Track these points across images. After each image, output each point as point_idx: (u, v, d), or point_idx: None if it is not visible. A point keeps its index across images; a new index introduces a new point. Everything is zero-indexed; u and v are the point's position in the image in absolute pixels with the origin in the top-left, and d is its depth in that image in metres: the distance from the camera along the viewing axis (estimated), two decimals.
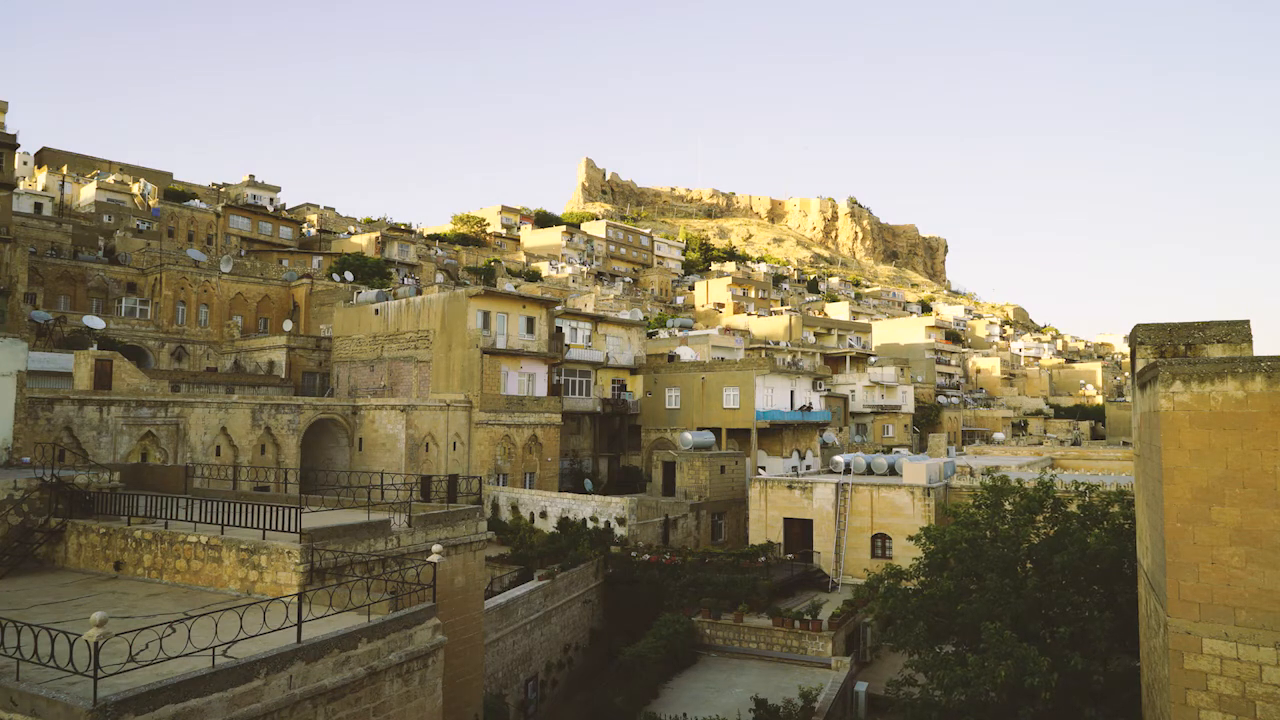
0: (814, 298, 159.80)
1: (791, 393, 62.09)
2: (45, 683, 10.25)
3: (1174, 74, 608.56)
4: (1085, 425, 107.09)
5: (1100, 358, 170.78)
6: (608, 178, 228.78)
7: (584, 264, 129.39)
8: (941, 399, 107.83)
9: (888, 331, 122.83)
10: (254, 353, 58.49)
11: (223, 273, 63.64)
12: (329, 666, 12.28)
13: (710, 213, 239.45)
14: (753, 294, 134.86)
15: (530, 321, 51.97)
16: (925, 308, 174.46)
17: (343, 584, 14.94)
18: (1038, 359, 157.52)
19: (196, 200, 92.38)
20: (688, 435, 53.18)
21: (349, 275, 76.68)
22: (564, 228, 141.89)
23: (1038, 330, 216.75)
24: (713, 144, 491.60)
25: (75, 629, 11.14)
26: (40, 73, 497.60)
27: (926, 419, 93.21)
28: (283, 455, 40.65)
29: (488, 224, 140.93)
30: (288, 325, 61.40)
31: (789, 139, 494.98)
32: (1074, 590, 20.77)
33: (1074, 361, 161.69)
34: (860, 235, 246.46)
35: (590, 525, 40.26)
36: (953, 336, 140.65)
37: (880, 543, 40.04)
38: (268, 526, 16.24)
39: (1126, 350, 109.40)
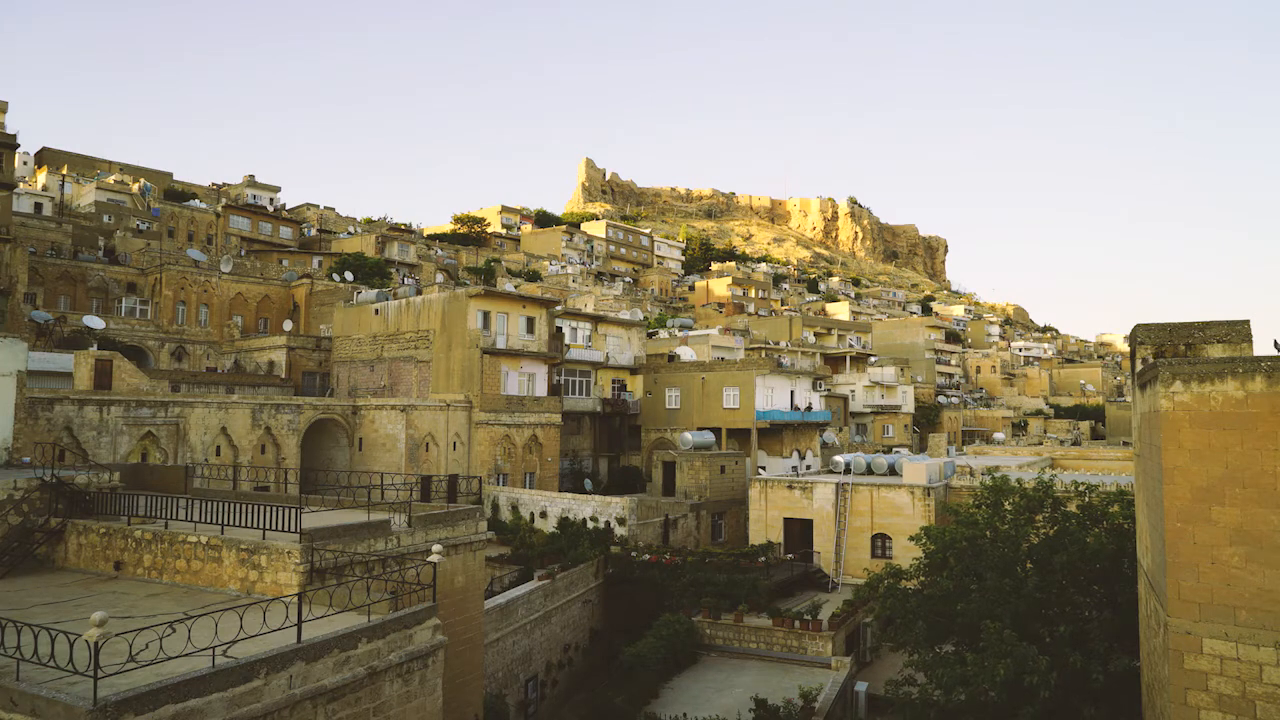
0: (814, 297, 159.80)
1: (791, 393, 62.09)
2: (45, 683, 10.26)
3: (1175, 70, 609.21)
4: (1085, 425, 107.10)
5: (1100, 358, 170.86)
6: (608, 177, 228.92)
7: (584, 264, 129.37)
8: (941, 399, 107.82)
9: (887, 331, 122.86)
10: (254, 353, 58.49)
11: (223, 273, 63.65)
12: (329, 666, 12.29)
13: (710, 212, 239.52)
14: (753, 294, 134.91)
15: (530, 321, 51.96)
16: (925, 308, 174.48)
17: (343, 584, 14.94)
18: (1038, 359, 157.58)
19: (196, 200, 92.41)
20: (688, 435, 53.16)
21: (349, 275, 76.62)
22: (564, 228, 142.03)
23: (1038, 330, 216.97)
24: (713, 144, 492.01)
25: (75, 629, 11.13)
26: (41, 72, 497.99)
27: (926, 419, 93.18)
28: (283, 455, 40.65)
29: (488, 224, 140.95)
30: (288, 325, 61.40)
31: (789, 138, 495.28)
32: (1074, 590, 20.76)
33: (1074, 361, 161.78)
34: (860, 235, 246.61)
35: (590, 525, 40.25)
36: (952, 336, 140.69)
37: (880, 543, 40.04)
38: (268, 526, 16.24)
39: (1126, 350, 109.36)
